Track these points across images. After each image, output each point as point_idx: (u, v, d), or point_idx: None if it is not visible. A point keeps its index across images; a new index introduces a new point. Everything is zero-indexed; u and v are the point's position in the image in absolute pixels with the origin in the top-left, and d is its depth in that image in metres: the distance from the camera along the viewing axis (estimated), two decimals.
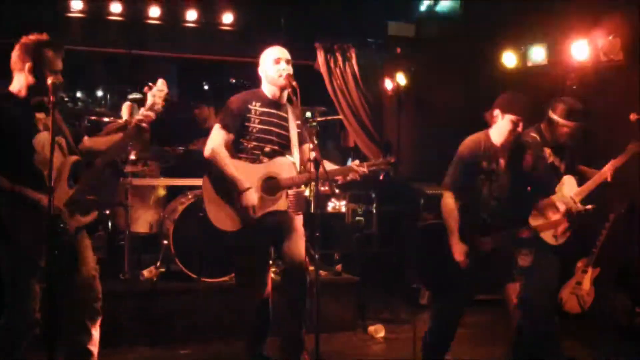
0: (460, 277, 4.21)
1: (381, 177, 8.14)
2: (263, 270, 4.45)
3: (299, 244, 4.28)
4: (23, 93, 3.57)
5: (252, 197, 4.20)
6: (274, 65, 4.35)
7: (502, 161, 4.30)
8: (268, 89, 4.45)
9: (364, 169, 4.25)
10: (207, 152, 4.29)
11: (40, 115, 3.60)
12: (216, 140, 4.28)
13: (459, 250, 4.20)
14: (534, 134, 4.60)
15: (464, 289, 4.31)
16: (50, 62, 3.54)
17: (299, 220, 4.45)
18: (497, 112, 4.23)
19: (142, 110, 3.73)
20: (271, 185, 4.30)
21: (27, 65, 3.52)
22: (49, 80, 3.43)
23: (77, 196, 3.63)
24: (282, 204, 4.30)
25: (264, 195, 4.29)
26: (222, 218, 4.30)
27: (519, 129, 4.21)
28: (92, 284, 3.77)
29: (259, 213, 4.26)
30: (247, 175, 4.25)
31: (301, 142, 4.50)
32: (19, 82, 3.57)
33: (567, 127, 4.49)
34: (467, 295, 4.45)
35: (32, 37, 3.57)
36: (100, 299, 3.82)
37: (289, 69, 4.35)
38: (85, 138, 3.89)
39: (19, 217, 3.46)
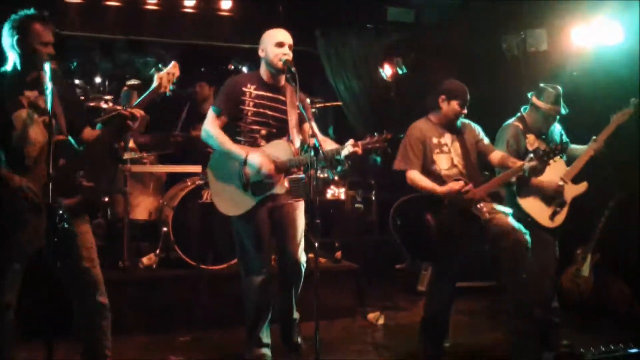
0: (441, 241, 4.47)
1: (380, 163, 8.14)
2: (264, 253, 4.47)
3: (295, 243, 4.45)
4: (17, 68, 3.56)
5: (256, 158, 4.24)
6: (275, 48, 4.34)
7: (448, 136, 4.73)
8: (265, 70, 4.45)
9: (357, 149, 4.20)
10: (202, 134, 4.38)
11: (30, 93, 3.55)
12: (211, 122, 4.36)
13: (449, 187, 4.48)
14: (516, 123, 4.99)
15: (448, 252, 4.53)
16: (39, 35, 3.53)
17: (299, 214, 4.48)
18: (442, 97, 4.71)
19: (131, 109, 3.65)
20: (270, 170, 4.31)
21: (16, 38, 3.51)
22: (45, 62, 3.41)
23: (58, 178, 3.41)
24: (280, 187, 4.34)
25: (264, 178, 4.32)
26: (227, 203, 4.40)
27: (464, 110, 4.69)
28: (85, 276, 3.67)
29: (259, 196, 4.32)
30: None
31: (301, 122, 4.50)
32: (12, 59, 3.57)
33: (548, 110, 4.89)
34: (451, 259, 4.62)
35: (20, 12, 3.58)
36: (102, 291, 3.73)
37: (290, 54, 4.35)
38: (87, 129, 3.81)
39: None
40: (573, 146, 5.22)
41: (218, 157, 4.47)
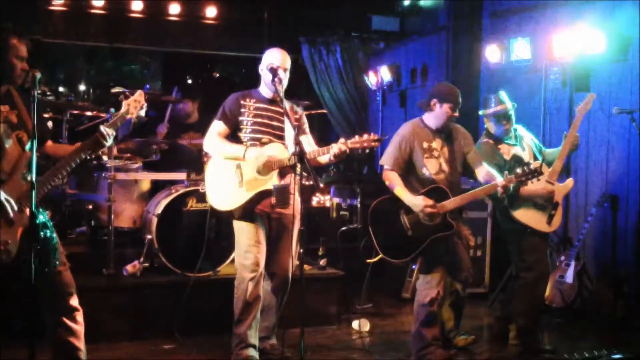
0: (411, 241, 4.64)
1: (365, 171, 8.16)
2: (257, 251, 4.57)
3: (288, 256, 4.63)
4: None
5: (251, 151, 4.45)
6: (269, 73, 4.52)
7: (439, 141, 4.79)
8: (264, 87, 4.69)
9: (345, 147, 4.29)
10: (206, 144, 4.66)
11: (3, 108, 3.53)
12: (215, 134, 4.60)
13: (419, 201, 4.55)
14: (485, 139, 5.17)
15: (415, 253, 4.66)
16: (14, 48, 3.52)
17: (295, 228, 4.55)
18: (434, 101, 4.74)
19: (104, 127, 3.66)
20: (265, 167, 4.49)
21: None
22: (18, 77, 3.45)
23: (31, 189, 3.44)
24: (274, 182, 4.49)
25: (257, 176, 4.51)
26: (222, 199, 4.60)
27: (456, 114, 4.73)
28: (59, 280, 3.65)
29: (252, 191, 4.49)
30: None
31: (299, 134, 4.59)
32: None
33: (490, 116, 5.13)
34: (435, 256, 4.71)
35: None
36: (73, 294, 3.72)
37: (285, 78, 4.57)
38: (49, 143, 3.81)
39: None
40: (547, 150, 5.30)
41: (215, 159, 4.67)
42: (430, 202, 4.55)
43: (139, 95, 3.88)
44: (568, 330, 5.81)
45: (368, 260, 6.19)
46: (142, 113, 3.90)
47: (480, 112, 5.27)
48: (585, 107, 5.06)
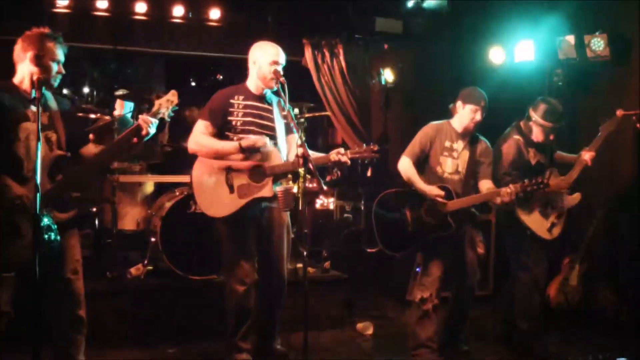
0: (411, 235, 4.79)
1: (369, 173, 8.15)
2: (248, 260, 4.46)
3: (282, 258, 4.52)
4: (24, 83, 3.68)
5: (247, 140, 4.30)
6: (270, 66, 4.39)
7: (462, 143, 4.85)
8: (254, 83, 4.50)
9: (346, 157, 4.31)
10: (190, 145, 4.41)
11: (35, 108, 3.57)
12: (199, 133, 4.40)
13: (430, 189, 4.70)
14: (517, 137, 4.94)
15: (414, 247, 4.85)
16: (51, 52, 3.68)
17: (286, 225, 4.48)
18: (459, 103, 4.82)
19: (145, 115, 3.76)
20: (258, 172, 4.38)
21: (29, 54, 3.63)
22: (36, 75, 3.55)
23: (56, 192, 3.62)
24: (267, 190, 4.36)
25: (251, 182, 4.37)
26: (212, 205, 4.40)
27: (478, 117, 4.76)
28: (67, 288, 3.72)
29: (245, 199, 4.34)
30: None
31: (287, 133, 4.57)
32: (22, 73, 3.69)
33: (543, 126, 4.97)
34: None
35: (34, 29, 3.71)
36: (81, 305, 3.77)
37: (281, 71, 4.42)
38: (91, 145, 3.87)
39: None
40: (561, 153, 5.28)
41: (203, 161, 4.47)
42: (442, 192, 4.68)
43: (172, 95, 3.88)
44: (572, 334, 5.79)
45: (368, 250, 6.26)
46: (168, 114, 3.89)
47: (532, 114, 5.05)
48: (610, 127, 5.06)
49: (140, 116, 3.76)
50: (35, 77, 3.52)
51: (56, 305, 3.71)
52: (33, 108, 3.60)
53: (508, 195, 4.57)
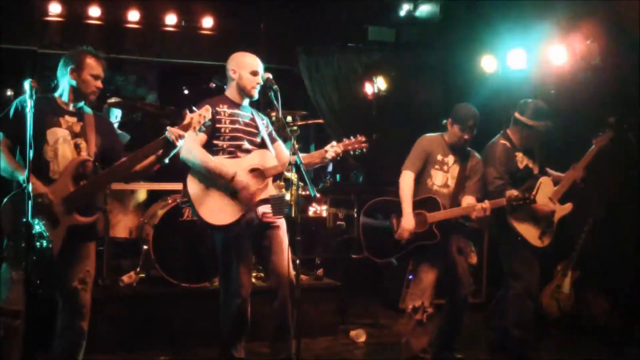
0: (396, 243, 4.80)
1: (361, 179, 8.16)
2: (245, 271, 4.39)
3: (284, 260, 4.36)
4: (64, 96, 3.89)
5: (243, 178, 4.25)
6: (251, 76, 4.44)
7: (452, 158, 4.92)
8: (234, 93, 4.53)
9: (338, 149, 4.46)
10: (183, 152, 4.24)
11: (70, 119, 3.85)
12: (191, 140, 4.23)
13: (408, 220, 4.73)
14: (503, 141, 4.96)
15: (398, 255, 4.87)
16: (90, 67, 3.88)
17: (283, 230, 4.47)
18: (450, 119, 4.92)
19: (175, 128, 3.86)
20: (256, 176, 4.35)
21: (69, 68, 3.84)
22: (93, 93, 3.91)
23: (78, 195, 3.72)
24: (271, 190, 4.39)
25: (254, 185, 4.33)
26: (215, 213, 4.25)
27: (465, 136, 4.84)
28: (72, 297, 3.77)
29: (256, 198, 4.29)
30: (231, 168, 4.28)
31: (272, 141, 4.59)
32: (62, 87, 3.91)
33: (533, 127, 4.98)
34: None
35: (77, 48, 3.98)
36: (85, 317, 3.82)
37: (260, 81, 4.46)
38: (125, 159, 3.92)
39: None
40: (550, 171, 5.28)
41: (196, 172, 4.35)
42: (411, 229, 4.73)
43: (205, 110, 3.95)
44: (565, 341, 5.80)
45: (354, 256, 6.28)
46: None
47: (517, 116, 5.07)
48: (602, 142, 5.13)
49: (169, 127, 3.83)
50: (30, 80, 3.47)
51: (63, 314, 3.79)
52: (68, 118, 3.84)
53: (482, 211, 4.64)
